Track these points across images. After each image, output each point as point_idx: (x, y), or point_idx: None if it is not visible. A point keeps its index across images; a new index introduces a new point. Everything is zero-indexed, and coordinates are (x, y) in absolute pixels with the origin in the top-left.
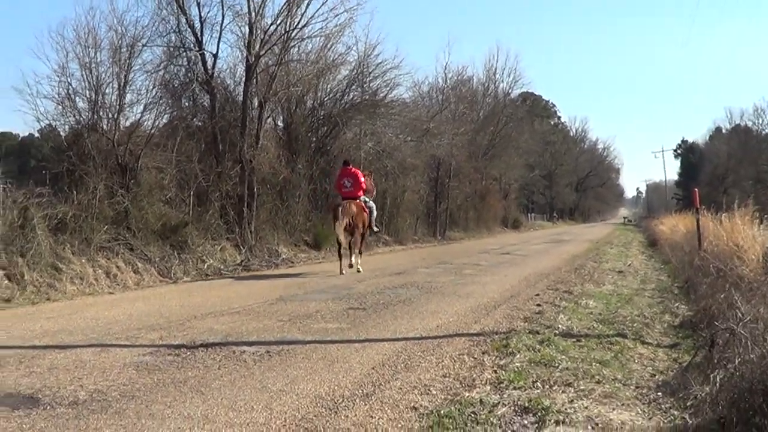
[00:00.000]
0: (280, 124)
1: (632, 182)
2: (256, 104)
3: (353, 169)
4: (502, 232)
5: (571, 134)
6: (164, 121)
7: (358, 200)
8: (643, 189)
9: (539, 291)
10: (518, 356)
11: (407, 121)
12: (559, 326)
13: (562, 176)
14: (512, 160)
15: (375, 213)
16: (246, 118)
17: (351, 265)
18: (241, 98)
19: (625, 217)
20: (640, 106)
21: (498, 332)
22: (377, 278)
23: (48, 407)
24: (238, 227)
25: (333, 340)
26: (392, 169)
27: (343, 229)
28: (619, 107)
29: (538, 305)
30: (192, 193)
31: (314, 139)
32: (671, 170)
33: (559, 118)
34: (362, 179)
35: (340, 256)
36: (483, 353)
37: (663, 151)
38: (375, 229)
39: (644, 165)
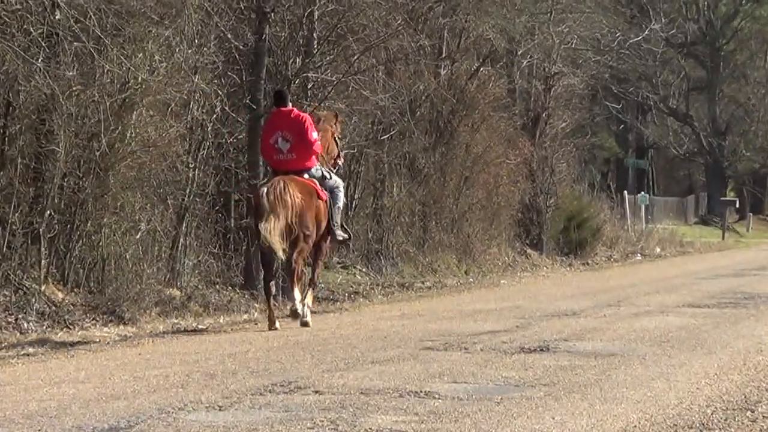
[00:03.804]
0: None
1: None
2: None
3: (295, 113)
4: (516, 270)
5: None
6: None
7: (304, 176)
8: None
9: None
10: None
11: None
12: None
13: (744, 49)
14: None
15: (342, 202)
16: None
17: (294, 312)
18: None
19: None
20: None
21: None
22: None
23: None
24: None
25: None
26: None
27: (277, 237)
28: None
29: None
30: None
31: None
32: None
33: None
34: (313, 134)
35: (267, 291)
36: None
37: None
38: (340, 236)
39: None
